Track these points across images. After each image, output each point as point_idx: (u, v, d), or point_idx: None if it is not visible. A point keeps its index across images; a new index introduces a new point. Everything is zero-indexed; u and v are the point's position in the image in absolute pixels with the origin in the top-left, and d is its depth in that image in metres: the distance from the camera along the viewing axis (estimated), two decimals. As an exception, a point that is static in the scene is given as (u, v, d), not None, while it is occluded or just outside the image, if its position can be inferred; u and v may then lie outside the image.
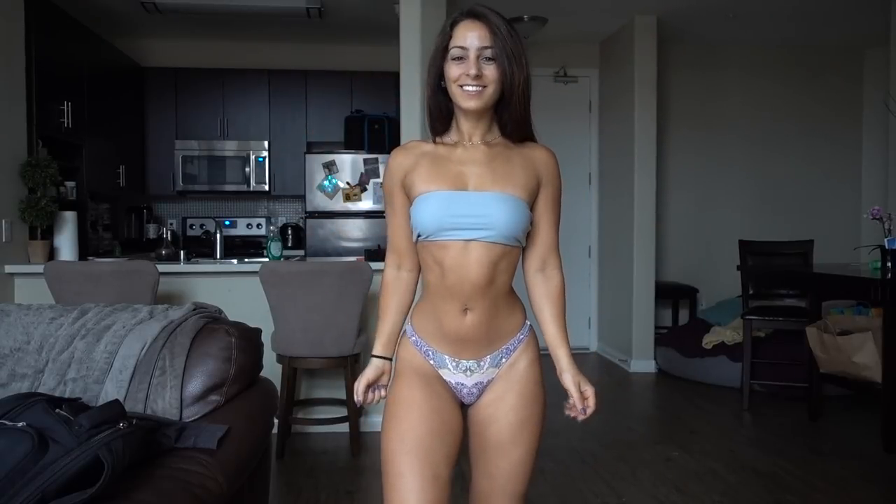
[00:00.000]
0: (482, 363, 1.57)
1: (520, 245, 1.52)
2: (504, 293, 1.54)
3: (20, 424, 1.52)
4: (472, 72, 1.43)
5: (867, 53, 6.61)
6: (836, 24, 5.82)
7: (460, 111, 1.51)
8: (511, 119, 1.50)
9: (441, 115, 1.55)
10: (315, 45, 6.27)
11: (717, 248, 6.32)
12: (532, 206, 1.52)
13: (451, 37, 1.47)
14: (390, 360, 1.65)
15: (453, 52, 1.45)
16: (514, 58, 1.44)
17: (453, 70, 1.46)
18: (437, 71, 1.51)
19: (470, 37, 1.44)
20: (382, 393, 1.64)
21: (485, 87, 1.45)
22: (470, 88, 1.44)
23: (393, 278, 1.65)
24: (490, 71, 1.44)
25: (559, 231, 1.60)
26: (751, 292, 4.76)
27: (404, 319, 1.67)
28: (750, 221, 6.41)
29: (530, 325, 1.61)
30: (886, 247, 3.77)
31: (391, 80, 5.34)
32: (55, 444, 1.49)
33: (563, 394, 1.62)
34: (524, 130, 1.54)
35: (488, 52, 1.44)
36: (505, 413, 1.57)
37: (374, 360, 1.65)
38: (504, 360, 1.58)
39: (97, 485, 1.43)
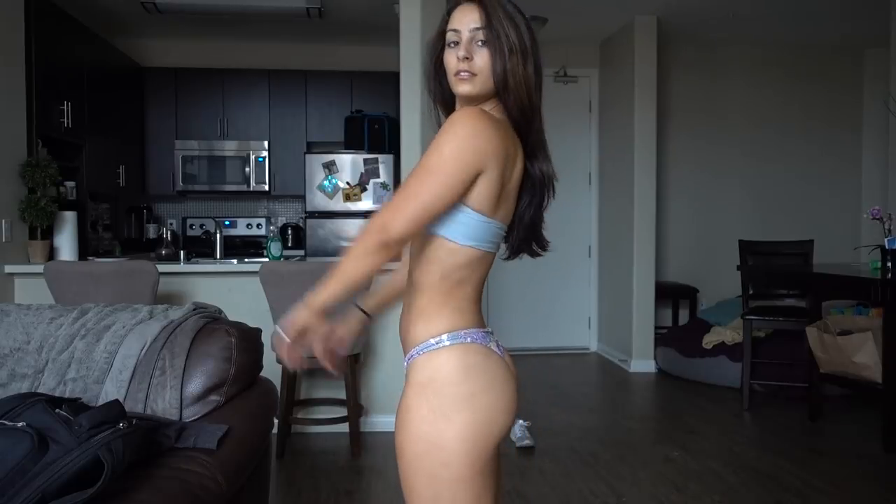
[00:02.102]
0: (404, 363, 1.44)
1: (432, 234, 1.34)
2: (420, 291, 1.38)
3: (20, 424, 1.52)
4: (461, 53, 1.34)
5: (867, 53, 6.61)
6: (836, 24, 5.82)
7: (459, 99, 1.41)
8: (513, 119, 1.36)
9: (443, 102, 1.48)
10: (315, 45, 6.27)
11: (717, 248, 6.32)
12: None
13: (447, 21, 1.40)
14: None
15: (448, 36, 1.38)
16: (510, 43, 1.32)
17: (450, 59, 1.38)
18: (434, 57, 1.44)
19: (463, 20, 1.36)
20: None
21: (475, 74, 1.35)
22: (462, 74, 1.35)
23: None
24: (481, 56, 1.34)
25: (415, 196, 1.27)
26: (751, 292, 4.75)
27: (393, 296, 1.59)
28: (750, 221, 6.40)
29: (441, 346, 1.35)
30: (886, 247, 3.77)
31: (391, 80, 5.33)
32: (55, 444, 1.49)
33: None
34: (531, 134, 1.38)
35: (480, 35, 1.34)
36: (395, 434, 1.39)
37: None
38: (406, 366, 1.42)
39: (97, 485, 1.43)
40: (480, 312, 1.43)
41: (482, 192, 1.31)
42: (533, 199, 1.42)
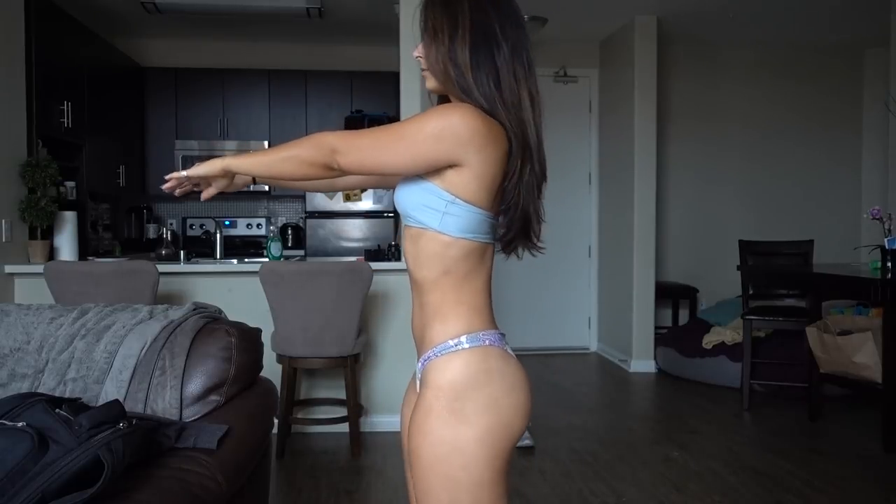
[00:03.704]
0: (418, 364, 1.40)
1: (425, 227, 1.31)
2: (427, 288, 1.35)
3: (20, 424, 1.51)
4: (414, 53, 1.36)
5: (867, 53, 6.61)
6: (836, 24, 5.82)
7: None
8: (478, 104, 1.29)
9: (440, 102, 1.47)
10: (315, 45, 6.27)
11: (717, 249, 6.32)
12: (443, 177, 1.30)
13: None
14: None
15: None
16: (432, 29, 1.30)
17: None
18: None
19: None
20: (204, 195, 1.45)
21: (424, 69, 1.35)
22: (423, 73, 1.36)
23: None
24: (425, 50, 1.34)
25: (377, 149, 1.28)
26: (751, 292, 4.76)
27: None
28: (750, 221, 6.41)
29: (460, 348, 1.31)
30: (886, 247, 3.77)
31: (391, 80, 5.34)
32: (55, 444, 1.49)
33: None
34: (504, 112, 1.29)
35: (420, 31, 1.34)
36: (409, 436, 1.36)
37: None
38: (421, 367, 1.38)
39: (97, 485, 1.43)
40: (492, 312, 1.40)
41: (472, 186, 1.27)
42: (520, 181, 1.31)
